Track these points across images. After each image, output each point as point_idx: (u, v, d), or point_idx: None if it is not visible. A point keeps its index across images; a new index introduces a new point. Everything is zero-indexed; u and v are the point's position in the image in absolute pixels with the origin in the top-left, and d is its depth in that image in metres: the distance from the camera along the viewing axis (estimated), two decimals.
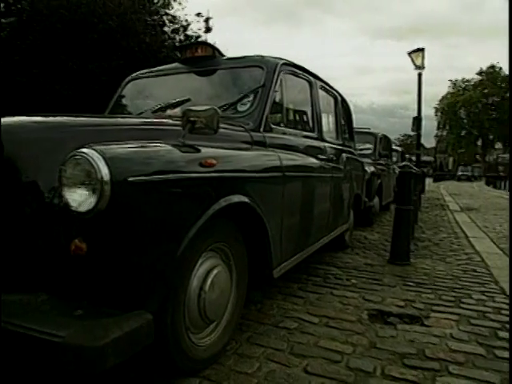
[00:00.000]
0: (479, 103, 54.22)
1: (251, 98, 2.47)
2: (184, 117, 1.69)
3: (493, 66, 54.47)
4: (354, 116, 4.51)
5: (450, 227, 6.25)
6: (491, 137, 53.12)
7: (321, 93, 3.40)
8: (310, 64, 3.23)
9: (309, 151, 2.84)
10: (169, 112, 2.66)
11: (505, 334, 2.17)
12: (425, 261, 3.80)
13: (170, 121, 2.00)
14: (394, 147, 12.10)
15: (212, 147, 1.75)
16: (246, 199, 1.85)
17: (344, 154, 3.73)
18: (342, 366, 1.81)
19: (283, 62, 2.73)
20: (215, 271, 1.74)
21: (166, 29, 10.36)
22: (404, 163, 3.96)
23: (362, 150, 6.41)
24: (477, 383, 1.69)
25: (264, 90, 2.47)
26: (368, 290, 2.85)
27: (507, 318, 2.39)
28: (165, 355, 1.55)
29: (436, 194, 15.44)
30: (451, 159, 58.65)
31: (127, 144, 1.42)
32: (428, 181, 24.58)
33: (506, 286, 3.02)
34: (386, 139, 7.70)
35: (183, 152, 1.57)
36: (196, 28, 10.87)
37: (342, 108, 4.13)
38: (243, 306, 2.11)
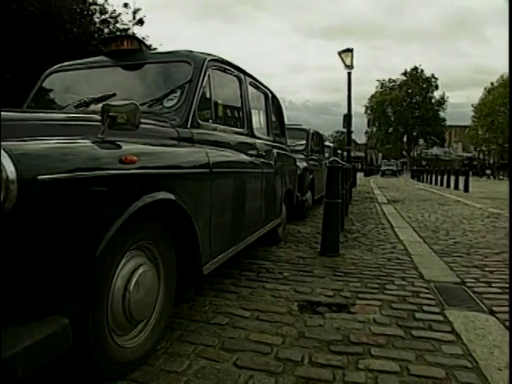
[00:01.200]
0: (404, 102, 57.81)
1: (178, 94, 2.44)
2: (103, 112, 1.63)
3: (416, 68, 58.32)
4: (289, 113, 4.67)
5: (378, 218, 6.61)
6: (415, 133, 56.86)
7: (250, 89, 3.43)
8: (245, 61, 3.30)
9: (238, 147, 2.85)
10: (92, 107, 2.54)
11: (421, 315, 2.33)
12: (353, 251, 3.99)
13: (91, 116, 1.91)
14: (326, 143, 12.56)
15: (134, 143, 1.70)
16: (171, 196, 1.82)
17: (275, 150, 3.79)
18: (272, 357, 1.84)
19: (211, 57, 2.71)
20: (141, 270, 1.69)
21: (95, 19, 9.89)
22: (332, 158, 4.11)
23: (294, 145, 6.59)
24: (395, 362, 1.81)
25: (191, 86, 2.44)
26: (299, 282, 2.93)
27: (425, 301, 2.58)
28: (87, 360, 1.48)
29: (366, 187, 16.25)
30: (380, 155, 62.00)
31: (42, 140, 1.34)
32: (359, 175, 25.82)
33: (425, 272, 3.25)
34: (317, 135, 7.95)
35: (102, 148, 1.51)
36: (127, 20, 10.50)
37: (273, 104, 4.20)
38: (174, 304, 2.08)
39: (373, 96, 60.76)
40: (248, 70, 3.45)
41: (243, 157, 2.89)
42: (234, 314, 2.33)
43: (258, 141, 3.32)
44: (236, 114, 3.16)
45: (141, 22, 10.64)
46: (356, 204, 9.06)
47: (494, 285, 2.96)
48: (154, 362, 1.77)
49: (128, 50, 2.76)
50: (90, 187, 1.38)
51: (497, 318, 2.34)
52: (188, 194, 1.99)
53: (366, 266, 3.40)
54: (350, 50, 14.66)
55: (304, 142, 7.00)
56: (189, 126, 2.30)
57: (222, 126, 2.75)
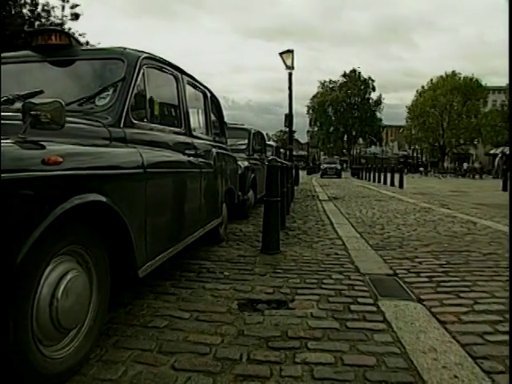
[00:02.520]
0: (344, 102, 60.00)
1: (110, 92, 2.36)
2: (24, 111, 1.53)
3: (354, 70, 60.73)
4: (232, 112, 4.77)
5: (319, 216, 6.80)
6: (354, 133, 59.19)
7: (188, 88, 3.39)
8: (186, 60, 3.28)
9: (175, 147, 2.81)
10: (17, 105, 2.39)
11: (356, 307, 2.43)
12: (294, 248, 4.07)
13: (14, 115, 1.79)
14: (268, 142, 12.72)
15: (59, 143, 1.62)
16: (102, 198, 1.76)
17: (215, 150, 3.78)
18: (210, 357, 1.84)
19: (146, 55, 2.65)
20: (69, 276, 1.62)
21: (24, 11, 9.29)
22: (271, 157, 4.18)
23: (235, 145, 6.61)
24: (330, 354, 1.87)
25: (124, 84, 2.37)
26: (239, 281, 2.94)
27: (360, 293, 2.69)
28: (10, 374, 1.40)
29: (308, 185, 16.65)
30: (322, 153, 63.84)
31: None
32: (302, 174, 26.41)
33: (361, 265, 3.40)
34: (259, 135, 8.03)
35: (23, 149, 1.42)
36: (61, 15, 9.98)
37: (212, 104, 4.18)
38: (110, 309, 2.01)
39: (314, 96, 62.45)
40: (189, 69, 3.42)
41: (180, 157, 2.85)
42: (173, 316, 2.29)
43: (196, 140, 3.30)
44: (173, 114, 3.11)
45: (76, 16, 10.18)
46: (298, 202, 9.26)
47: (422, 274, 3.16)
48: (87, 372, 1.70)
49: (57, 45, 2.62)
50: (9, 189, 1.29)
51: (424, 305, 2.50)
52: (121, 196, 1.93)
53: (306, 262, 3.49)
54: (290, 51, 14.99)
55: (246, 141, 7.05)
56: (122, 125, 2.23)
57: (158, 126, 2.69)
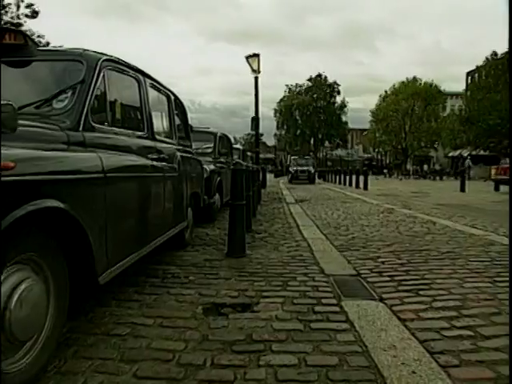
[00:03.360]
0: (310, 106, 60.89)
1: (69, 95, 2.30)
2: None
3: (320, 75, 61.79)
4: (199, 115, 4.77)
5: (285, 218, 6.85)
6: (320, 136, 60.18)
7: (151, 91, 3.35)
8: (151, 62, 3.21)
9: (138, 151, 2.77)
10: None
11: (320, 308, 2.47)
12: (260, 251, 4.09)
13: None
14: (235, 146, 12.74)
15: (11, 148, 1.56)
16: (60, 204, 1.71)
17: (179, 153, 3.75)
18: (173, 363, 1.81)
19: (106, 57, 2.60)
20: (24, 286, 1.56)
21: None
22: (236, 161, 4.18)
23: (201, 148, 6.58)
24: (294, 355, 1.89)
25: (83, 87, 2.32)
26: (205, 285, 2.92)
27: (324, 294, 2.73)
28: None
29: (276, 188, 16.76)
30: (289, 156, 64.44)
31: None
32: (269, 176, 26.59)
33: (325, 267, 3.45)
34: (225, 138, 8.03)
35: None
36: (17, 13, 9.63)
37: (176, 107, 4.15)
38: (70, 317, 1.96)
39: (281, 100, 63.05)
40: (154, 72, 3.38)
41: (143, 161, 2.80)
42: (136, 323, 2.24)
43: (159, 144, 3.25)
44: (135, 117, 3.06)
45: (35, 13, 9.84)
46: (265, 205, 9.30)
47: (384, 274, 3.24)
48: None
49: (11, 45, 2.52)
50: None
51: (385, 303, 2.56)
52: (80, 202, 1.88)
53: (271, 265, 3.51)
54: (256, 55, 15.08)
55: (212, 144, 7.03)
56: (81, 129, 2.17)
57: (120, 129, 2.64)
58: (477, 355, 1.89)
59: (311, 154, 61.79)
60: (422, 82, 53.02)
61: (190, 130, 4.73)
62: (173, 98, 4.01)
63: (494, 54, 36.24)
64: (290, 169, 25.66)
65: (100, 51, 2.66)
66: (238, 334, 2.11)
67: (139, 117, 3.06)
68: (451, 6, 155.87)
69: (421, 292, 2.79)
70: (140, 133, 2.98)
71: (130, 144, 2.70)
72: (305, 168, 23.94)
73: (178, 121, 4.22)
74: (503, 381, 1.67)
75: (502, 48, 36.68)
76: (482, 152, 37.07)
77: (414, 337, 2.07)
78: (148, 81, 3.30)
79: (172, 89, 4.06)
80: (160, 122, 3.65)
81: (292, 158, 27.21)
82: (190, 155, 4.33)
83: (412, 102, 51.61)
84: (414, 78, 53.46)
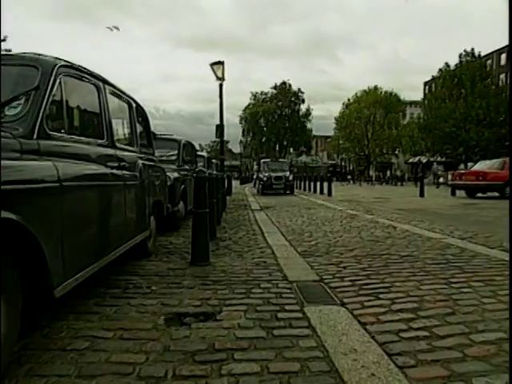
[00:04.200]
0: (275, 113, 61.60)
1: (23, 101, 2.22)
2: None
3: (284, 83, 62.67)
4: (163, 122, 4.74)
5: (250, 225, 6.87)
6: (285, 143, 60.93)
7: (111, 98, 3.29)
8: (114, 68, 3.12)
9: (97, 159, 2.71)
10: None
11: (282, 315, 2.48)
12: (224, 259, 4.07)
13: None
14: (201, 153, 12.69)
15: None
16: (11, 215, 1.64)
17: (140, 161, 3.69)
18: (133, 377, 1.77)
19: (63, 63, 2.53)
20: None
21: None
22: (198, 169, 4.16)
23: (165, 156, 6.51)
24: (256, 363, 1.88)
25: (38, 93, 2.25)
26: (167, 295, 2.88)
27: (287, 301, 2.75)
28: None
29: (241, 195, 16.78)
30: (255, 163, 64.78)
31: None
32: (235, 183, 26.59)
33: (289, 273, 3.47)
34: (189, 145, 7.97)
35: None
36: None
37: (138, 114, 4.09)
38: (23, 333, 1.88)
39: (247, 107, 63.44)
40: (117, 77, 3.33)
41: (102, 169, 2.74)
42: (95, 336, 2.18)
43: (120, 152, 3.20)
44: (94, 124, 2.99)
45: None
46: (230, 212, 9.29)
47: (346, 279, 3.30)
48: None
49: None
50: None
51: (347, 308, 2.61)
52: (33, 212, 1.81)
53: (235, 273, 3.50)
54: (221, 63, 15.10)
55: (175, 152, 6.96)
56: (35, 136, 2.11)
57: (78, 137, 2.58)
58: (432, 355, 1.96)
59: (280, 160, 62.41)
60: (383, 91, 54.93)
61: (152, 138, 4.67)
62: (134, 105, 3.96)
63: (447, 65, 37.96)
64: (261, 175, 18.46)
65: (57, 56, 2.60)
66: (200, 343, 2.09)
67: (98, 124, 2.99)
68: (408, 18, 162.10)
69: (381, 295, 2.86)
70: (99, 140, 2.92)
71: (88, 152, 2.64)
72: (280, 174, 17.87)
73: (139, 128, 4.16)
74: (456, 378, 1.74)
75: (453, 60, 38.59)
76: (439, 158, 38.63)
77: (374, 340, 2.12)
78: (108, 87, 3.24)
79: (136, 95, 4.01)
80: (121, 130, 3.59)
81: (262, 161, 20.01)
82: (152, 163, 4.27)
83: (374, 110, 53.34)
84: (375, 87, 55.31)
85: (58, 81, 2.40)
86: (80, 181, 2.36)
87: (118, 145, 3.22)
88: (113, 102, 3.32)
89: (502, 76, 49.05)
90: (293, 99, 62.55)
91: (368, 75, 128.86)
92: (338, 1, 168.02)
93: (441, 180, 29.42)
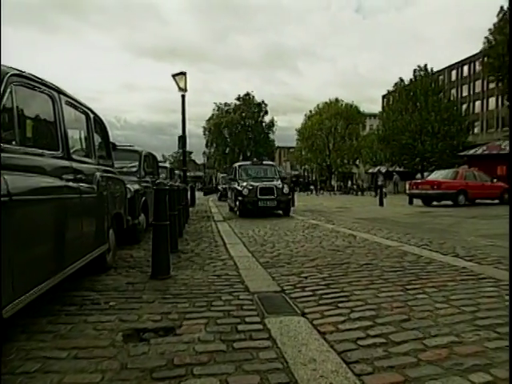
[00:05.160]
0: (239, 125, 61.93)
1: None
2: None
3: (248, 94, 63.24)
4: (124, 132, 4.66)
5: (212, 237, 6.82)
6: (249, 154, 61.21)
7: (67, 108, 3.20)
8: (72, 76, 3.05)
9: (51, 171, 2.62)
10: None
11: (243, 327, 2.47)
12: (185, 271, 4.02)
13: None
14: (162, 164, 12.52)
15: None
16: None
17: (98, 173, 3.60)
18: None
19: (14, 72, 2.45)
20: None
21: None
22: (158, 180, 4.11)
23: (125, 167, 6.38)
24: (215, 377, 1.87)
25: None
26: (126, 310, 2.80)
27: (247, 313, 2.74)
28: None
29: (205, 206, 16.66)
30: (219, 174, 64.67)
31: None
32: (199, 195, 26.38)
33: (250, 284, 3.47)
34: (151, 156, 7.86)
35: None
36: None
37: (96, 125, 4.00)
38: None
39: (210, 118, 63.42)
40: (77, 86, 3.30)
41: (57, 182, 2.66)
42: (48, 356, 2.09)
43: (76, 164, 3.11)
44: (49, 136, 2.90)
45: None
46: (193, 223, 9.20)
47: (307, 289, 3.34)
48: None
49: None
50: None
51: (307, 318, 2.64)
52: None
53: (196, 286, 3.46)
54: (183, 74, 15.05)
55: (136, 163, 6.84)
56: None
57: (30, 149, 2.49)
58: (388, 361, 2.01)
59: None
60: (344, 103, 56.51)
61: (111, 149, 4.57)
62: (92, 115, 3.87)
63: (402, 80, 39.59)
64: (239, 187, 11.54)
65: (8, 65, 2.51)
66: (158, 359, 2.05)
67: (53, 135, 2.90)
68: (366, 34, 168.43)
69: (340, 304, 2.91)
70: (54, 152, 2.82)
71: (41, 164, 2.55)
72: (268, 184, 11.48)
73: (98, 139, 4.07)
74: (410, 383, 1.80)
75: (409, 74, 40.28)
76: (397, 168, 39.99)
77: (333, 349, 2.15)
78: (63, 98, 3.16)
79: (96, 105, 3.97)
80: (77, 141, 3.50)
81: (238, 165, 13.58)
82: (111, 175, 4.18)
83: (335, 121, 54.72)
84: (337, 99, 56.84)
85: (8, 90, 2.32)
86: (32, 194, 2.27)
87: (74, 156, 3.13)
88: (69, 112, 3.23)
89: (453, 91, 51.80)
90: (256, 110, 63.13)
91: (328, 87, 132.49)
92: (298, 14, 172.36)
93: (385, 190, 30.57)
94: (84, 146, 3.64)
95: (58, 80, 3.09)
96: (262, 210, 11.03)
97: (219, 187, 23.65)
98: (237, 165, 13.56)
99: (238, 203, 11.28)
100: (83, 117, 3.68)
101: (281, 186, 11.38)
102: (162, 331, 2.43)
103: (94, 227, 3.38)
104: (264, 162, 14.22)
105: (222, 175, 28.30)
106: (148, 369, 1.95)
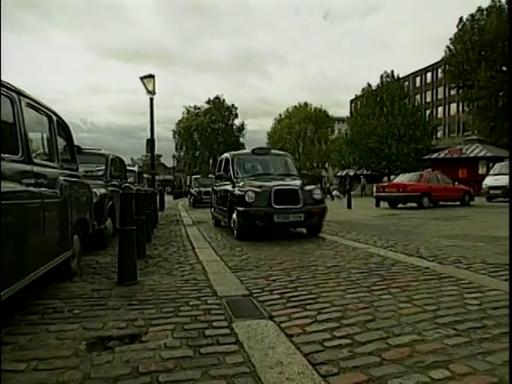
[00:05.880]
0: (209, 128, 61.72)
1: None
2: None
3: (218, 97, 63.13)
4: (92, 135, 4.55)
5: (181, 241, 6.75)
6: (218, 157, 61.16)
7: (28, 111, 3.10)
8: (36, 77, 2.93)
9: (10, 176, 2.53)
10: None
11: (210, 332, 2.46)
12: (153, 277, 3.96)
13: None
14: (132, 168, 12.33)
15: None
16: None
17: (62, 177, 3.51)
18: None
19: None
20: None
21: None
22: (125, 184, 4.03)
23: (92, 171, 6.24)
24: None
25: None
26: (90, 318, 2.73)
27: (215, 317, 2.73)
28: None
29: (174, 210, 16.48)
30: (189, 177, 64.13)
31: None
32: (168, 198, 26.06)
33: (218, 288, 3.46)
34: (118, 160, 7.71)
35: None
36: None
37: (60, 128, 3.88)
38: None
39: (180, 121, 62.90)
40: (42, 88, 3.18)
41: (17, 187, 2.56)
42: (5, 370, 2.00)
43: (37, 168, 3.01)
44: (7, 139, 2.79)
45: None
46: (162, 228, 9.07)
47: (275, 292, 3.36)
48: None
49: None
50: None
51: (274, 321, 2.65)
52: None
53: (164, 291, 3.41)
54: (152, 76, 14.87)
55: (103, 167, 6.70)
56: None
57: None
58: (353, 361, 2.05)
59: (210, 175, 62.39)
60: (313, 108, 57.36)
61: (76, 152, 4.46)
62: (55, 118, 3.76)
63: (369, 85, 40.60)
64: (236, 190, 6.98)
65: None
66: (123, 367, 2.01)
67: (12, 139, 2.80)
68: (334, 39, 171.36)
69: (307, 306, 2.94)
70: (13, 156, 2.73)
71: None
72: (287, 185, 7.06)
73: (61, 142, 3.96)
74: (374, 382, 1.84)
75: (374, 80, 41.35)
76: (365, 171, 40.90)
77: (299, 351, 2.17)
78: (24, 100, 3.05)
79: (62, 106, 3.92)
80: (39, 144, 3.39)
81: (231, 155, 8.41)
82: (75, 179, 4.07)
83: (304, 125, 55.46)
84: (306, 104, 57.62)
85: None
86: None
87: (35, 160, 3.04)
88: (29, 114, 3.13)
89: (418, 96, 53.51)
90: (226, 114, 63.12)
91: (297, 91, 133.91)
92: (268, 19, 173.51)
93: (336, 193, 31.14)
94: (46, 150, 3.53)
95: (22, 81, 3.00)
96: (279, 227, 6.92)
97: (192, 191, 21.23)
98: (228, 155, 8.55)
99: (237, 217, 6.74)
100: (45, 119, 3.58)
101: (308, 188, 7.10)
102: (128, 339, 2.38)
103: (57, 233, 3.28)
104: (272, 151, 9.12)
105: (194, 177, 25.15)
106: (112, 378, 1.91)
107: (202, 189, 18.94)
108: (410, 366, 1.96)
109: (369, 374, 1.92)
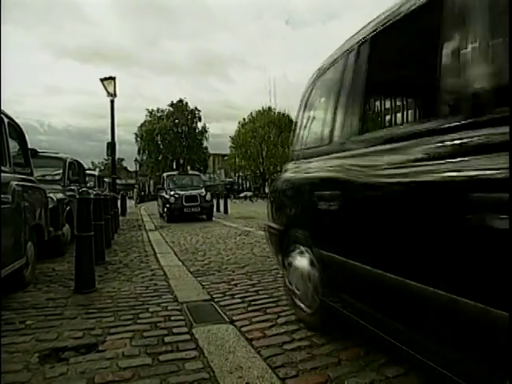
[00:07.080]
0: (172, 131, 60.96)
1: None
2: None
3: (181, 100, 62.49)
4: (49, 138, 4.41)
5: (143, 246, 6.62)
6: (182, 161, 60.53)
7: None
8: None
9: None
10: None
11: (170, 338, 2.43)
12: (112, 284, 3.86)
13: None
14: (90, 172, 11.98)
15: None
16: None
17: (14, 182, 3.37)
18: None
19: None
20: None
21: None
22: (82, 189, 3.92)
23: (49, 175, 6.03)
24: None
25: None
26: (44, 329, 2.63)
27: (175, 323, 2.70)
28: None
29: (136, 215, 16.13)
30: (152, 181, 63.05)
31: None
32: (131, 203, 25.47)
33: (179, 294, 3.43)
34: (76, 164, 7.47)
35: None
36: None
37: (11, 130, 3.73)
38: None
39: (142, 124, 61.73)
40: None
41: None
42: None
43: None
44: None
45: None
46: (123, 233, 8.86)
47: (236, 296, 3.37)
48: None
49: None
50: None
51: (235, 325, 2.65)
52: None
53: (123, 298, 3.34)
54: (112, 78, 14.52)
55: (60, 171, 6.47)
56: None
57: None
58: (312, 363, 2.09)
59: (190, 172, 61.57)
60: (276, 112, 57.90)
61: (30, 156, 4.29)
62: (6, 120, 3.61)
63: None
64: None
65: None
66: (78, 379, 1.95)
67: None
68: (294, 44, 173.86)
69: (268, 310, 2.96)
70: None
71: None
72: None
73: (13, 146, 3.80)
74: (332, 382, 1.88)
75: None
76: None
77: (259, 355, 2.19)
78: None
79: (17, 107, 3.72)
80: None
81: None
82: (29, 184, 3.92)
83: (268, 129, 55.82)
84: (269, 108, 58.05)
85: None
86: None
87: None
88: None
89: None
90: (189, 117, 62.57)
91: (259, 95, 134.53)
92: (230, 22, 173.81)
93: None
94: None
95: None
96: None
97: (165, 195, 17.96)
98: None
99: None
100: None
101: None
102: (84, 348, 2.32)
103: (8, 240, 3.14)
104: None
105: (167, 174, 24.27)
106: None
107: (181, 192, 12.79)
108: (366, 365, 2.02)
109: (326, 374, 1.96)
